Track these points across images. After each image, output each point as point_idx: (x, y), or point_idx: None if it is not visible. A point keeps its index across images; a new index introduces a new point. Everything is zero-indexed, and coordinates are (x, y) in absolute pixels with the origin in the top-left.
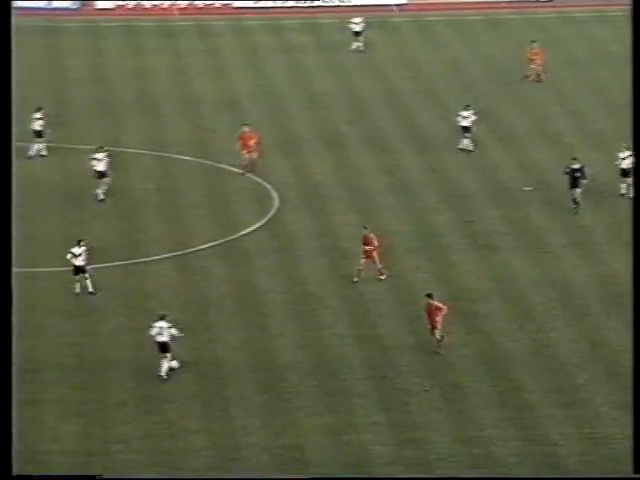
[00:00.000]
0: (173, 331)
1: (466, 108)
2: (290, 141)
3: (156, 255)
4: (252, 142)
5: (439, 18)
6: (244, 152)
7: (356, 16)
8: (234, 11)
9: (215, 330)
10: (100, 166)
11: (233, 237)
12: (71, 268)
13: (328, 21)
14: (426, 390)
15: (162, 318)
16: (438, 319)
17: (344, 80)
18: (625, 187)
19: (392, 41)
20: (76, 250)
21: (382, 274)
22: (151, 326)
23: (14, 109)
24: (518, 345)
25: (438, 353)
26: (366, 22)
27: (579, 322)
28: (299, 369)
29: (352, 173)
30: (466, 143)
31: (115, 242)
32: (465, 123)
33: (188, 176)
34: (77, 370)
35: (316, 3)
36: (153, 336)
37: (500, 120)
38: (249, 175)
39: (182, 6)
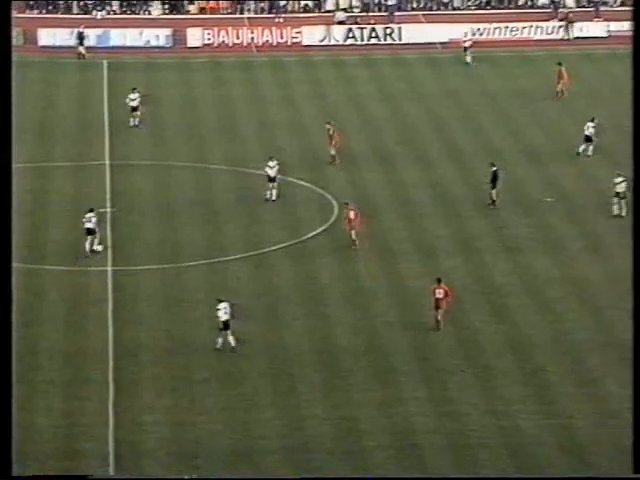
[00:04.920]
0: (230, 310)
1: None
2: (348, 158)
3: (234, 255)
4: (335, 137)
5: (475, 54)
6: (331, 146)
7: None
8: (303, 48)
9: (283, 319)
10: (272, 172)
11: (299, 240)
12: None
13: (381, 57)
14: (462, 370)
15: (222, 301)
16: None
17: (394, 107)
18: (617, 207)
19: (435, 74)
20: (88, 215)
21: (355, 245)
22: (217, 309)
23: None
24: (540, 333)
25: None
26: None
27: (592, 314)
28: (354, 352)
29: (400, 185)
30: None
31: (200, 243)
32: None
33: (262, 188)
34: (169, 352)
35: (372, 42)
36: (219, 316)
37: (526, 141)
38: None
39: (259, 44)
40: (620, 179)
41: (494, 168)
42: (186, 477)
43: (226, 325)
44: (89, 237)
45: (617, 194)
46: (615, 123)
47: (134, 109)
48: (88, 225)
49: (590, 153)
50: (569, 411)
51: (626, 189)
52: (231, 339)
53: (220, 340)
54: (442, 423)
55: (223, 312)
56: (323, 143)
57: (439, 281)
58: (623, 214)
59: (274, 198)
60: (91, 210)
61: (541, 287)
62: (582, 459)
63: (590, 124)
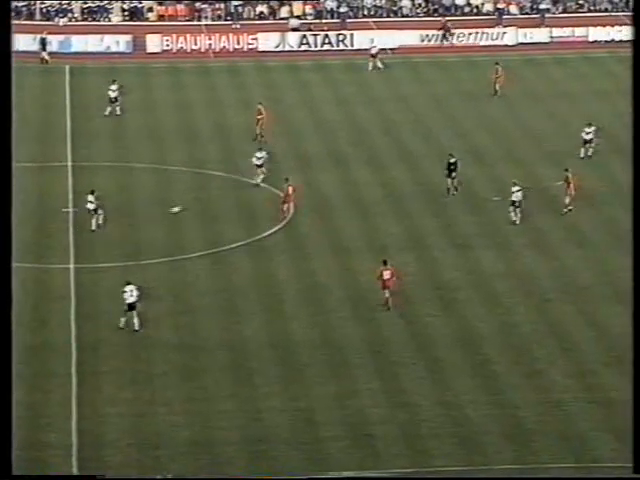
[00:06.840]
0: (136, 292)
1: None
2: (302, 159)
3: (194, 253)
4: (262, 117)
5: (424, 60)
6: (258, 126)
7: None
8: (258, 54)
9: (242, 314)
10: (259, 162)
11: (257, 238)
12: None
13: (334, 62)
14: (413, 363)
15: (129, 283)
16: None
17: (346, 110)
18: (513, 214)
19: (386, 79)
20: (89, 197)
21: (286, 214)
22: (123, 291)
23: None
24: (487, 326)
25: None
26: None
27: (537, 307)
28: (310, 345)
29: (353, 186)
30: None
31: (161, 242)
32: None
33: (220, 188)
34: (129, 346)
35: (325, 47)
36: (125, 298)
37: (473, 142)
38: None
39: (216, 50)
40: (516, 188)
41: (453, 159)
42: (159, 477)
43: (131, 306)
44: (93, 217)
45: (512, 202)
46: (555, 124)
47: (115, 99)
48: (89, 206)
49: (590, 153)
50: (515, 401)
51: (521, 198)
52: (135, 321)
53: (123, 320)
54: (395, 414)
55: (129, 294)
56: (280, 146)
57: (385, 263)
58: (517, 222)
59: (258, 182)
60: (92, 192)
61: (488, 282)
62: (528, 447)
63: (587, 129)
